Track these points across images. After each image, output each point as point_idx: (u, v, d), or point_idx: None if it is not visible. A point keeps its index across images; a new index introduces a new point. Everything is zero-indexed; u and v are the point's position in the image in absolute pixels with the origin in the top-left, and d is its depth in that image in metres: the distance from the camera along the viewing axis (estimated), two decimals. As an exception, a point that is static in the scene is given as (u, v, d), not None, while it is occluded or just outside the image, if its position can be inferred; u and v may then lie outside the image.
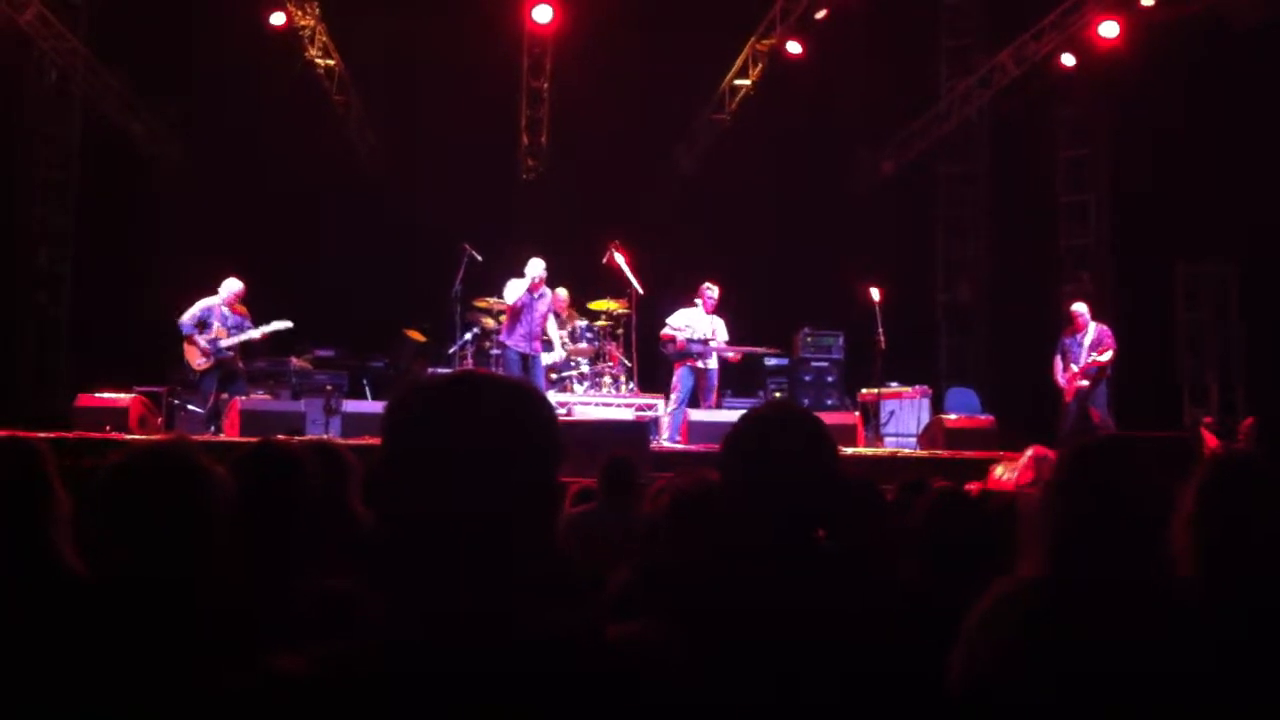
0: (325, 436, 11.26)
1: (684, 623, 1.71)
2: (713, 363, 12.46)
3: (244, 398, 12.01)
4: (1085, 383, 12.21)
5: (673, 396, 12.47)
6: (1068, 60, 13.75)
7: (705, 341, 12.37)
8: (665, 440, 12.13)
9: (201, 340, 11.59)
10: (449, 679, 1.42)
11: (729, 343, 12.59)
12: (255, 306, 11.99)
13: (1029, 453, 8.60)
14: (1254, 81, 12.80)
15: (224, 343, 11.66)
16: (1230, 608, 2.22)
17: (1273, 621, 2.18)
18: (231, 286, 11.82)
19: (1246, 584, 2.26)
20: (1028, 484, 8.00)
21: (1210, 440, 12.02)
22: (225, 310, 11.76)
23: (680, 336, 12.34)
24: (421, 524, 1.48)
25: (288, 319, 11.98)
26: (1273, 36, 12.13)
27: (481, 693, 1.42)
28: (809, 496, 2.14)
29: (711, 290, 12.45)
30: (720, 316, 12.58)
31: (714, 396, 12.56)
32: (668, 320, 12.47)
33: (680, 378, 12.37)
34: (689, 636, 1.61)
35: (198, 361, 11.71)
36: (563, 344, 13.28)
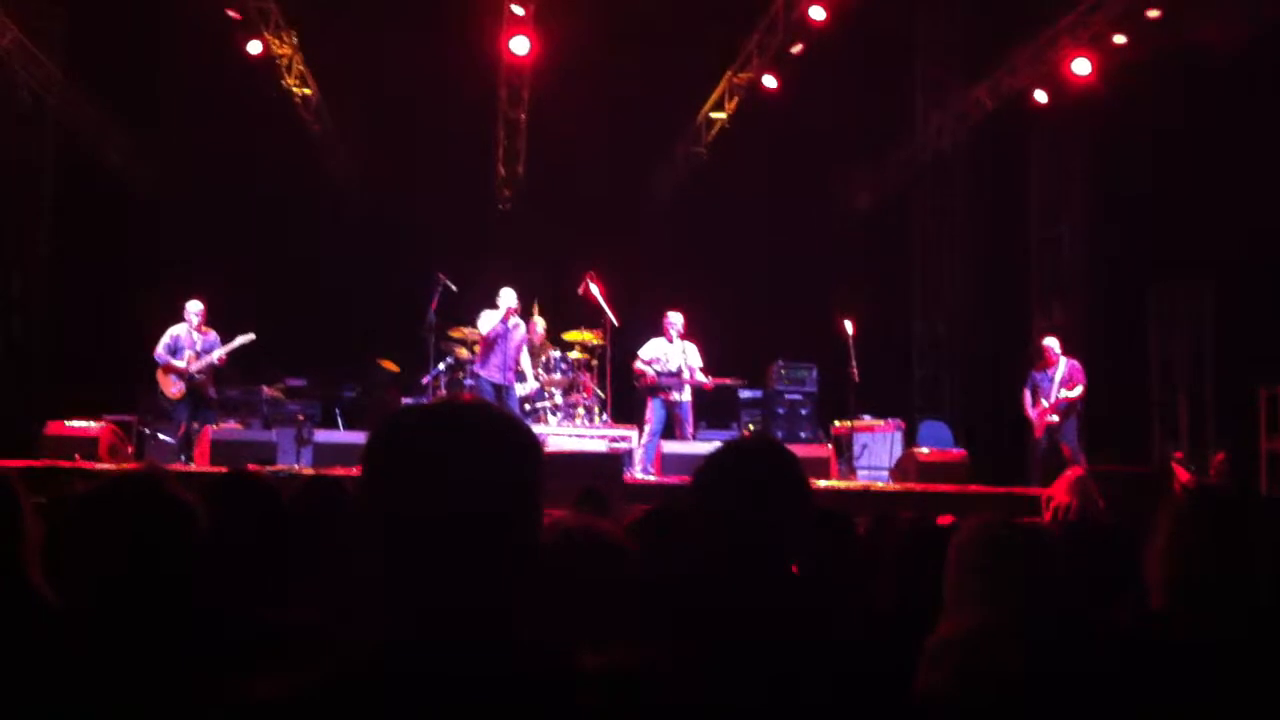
0: (297, 467, 11.23)
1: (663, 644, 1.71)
2: (685, 395, 12.47)
3: (215, 426, 11.96)
4: (1055, 418, 12.25)
5: (646, 429, 12.46)
6: (1040, 97, 13.86)
7: (676, 373, 12.37)
8: (639, 472, 12.12)
9: (178, 364, 11.58)
10: (445, 680, 1.43)
11: (702, 369, 12.58)
12: (228, 334, 11.95)
13: (1065, 477, 8.69)
14: (1226, 116, 12.94)
15: (195, 366, 11.64)
16: (1202, 640, 2.23)
17: (1243, 654, 2.19)
18: (194, 308, 11.82)
19: (1217, 617, 2.27)
20: (1065, 506, 8.08)
21: (1182, 475, 12.08)
22: (194, 335, 11.75)
23: (650, 371, 12.35)
24: (417, 526, 1.48)
25: (252, 335, 11.95)
26: (1244, 73, 12.28)
27: (477, 693, 1.42)
28: (780, 530, 2.14)
29: (674, 318, 12.47)
30: (692, 341, 12.59)
31: (689, 428, 12.56)
32: (638, 354, 12.48)
33: (653, 410, 12.37)
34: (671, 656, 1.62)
35: (171, 390, 11.69)
36: (536, 375, 13.27)
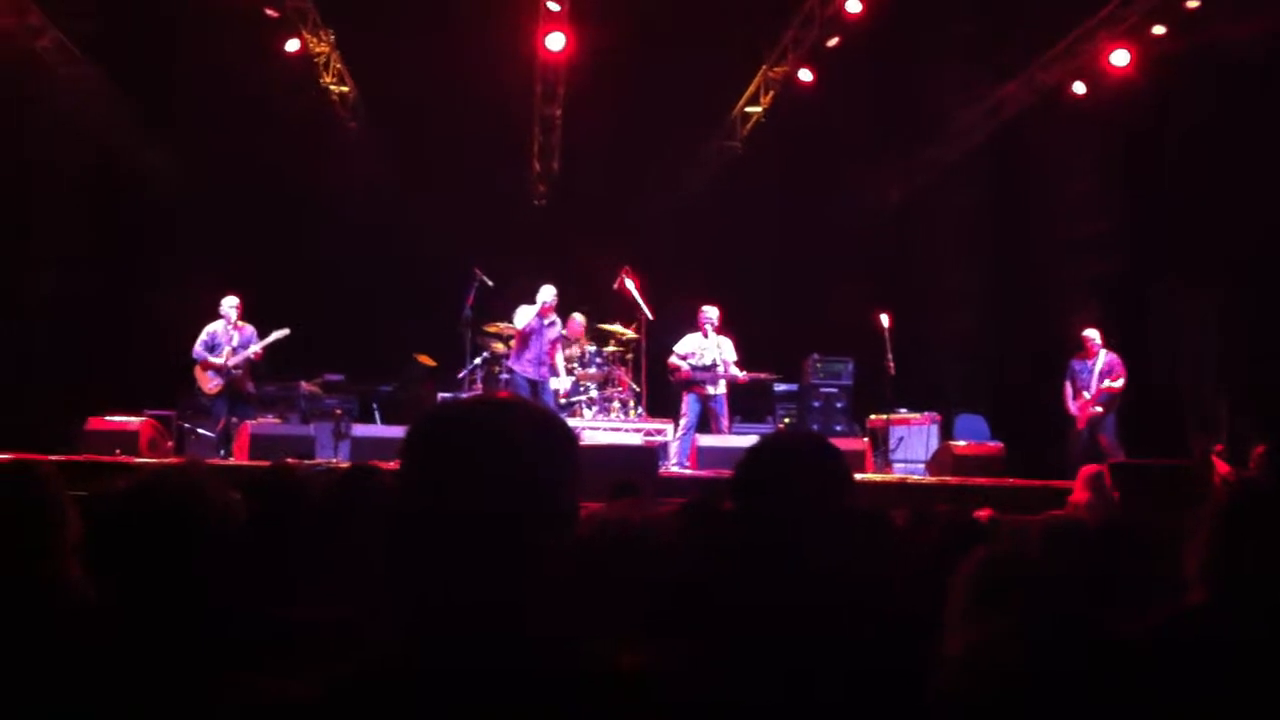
0: (335, 461, 11.29)
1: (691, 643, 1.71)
2: (720, 388, 12.47)
3: (253, 421, 12.05)
4: (1099, 409, 12.20)
5: (681, 423, 12.49)
6: (1078, 89, 13.75)
7: (711, 367, 12.38)
8: (673, 466, 12.13)
9: (214, 360, 11.69)
10: (471, 676, 1.43)
11: (736, 363, 12.57)
12: (265, 329, 12.04)
13: (1082, 473, 8.71)
14: (1263, 111, 12.82)
15: (232, 362, 11.74)
16: (1241, 633, 2.22)
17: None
18: (230, 304, 11.93)
19: (1257, 610, 2.25)
20: (1087, 503, 8.08)
21: (1221, 468, 11.97)
22: (231, 330, 11.85)
23: (685, 365, 12.36)
24: (452, 521, 1.49)
25: (287, 329, 12.03)
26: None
27: (502, 690, 1.43)
28: (824, 526, 2.13)
29: (710, 312, 12.48)
30: (727, 336, 12.59)
31: (724, 422, 12.56)
32: (674, 349, 12.49)
33: (688, 404, 12.40)
34: (697, 656, 1.61)
35: (209, 385, 11.81)
36: (570, 370, 13.31)
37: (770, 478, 2.20)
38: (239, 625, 2.25)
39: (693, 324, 12.58)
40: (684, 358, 12.39)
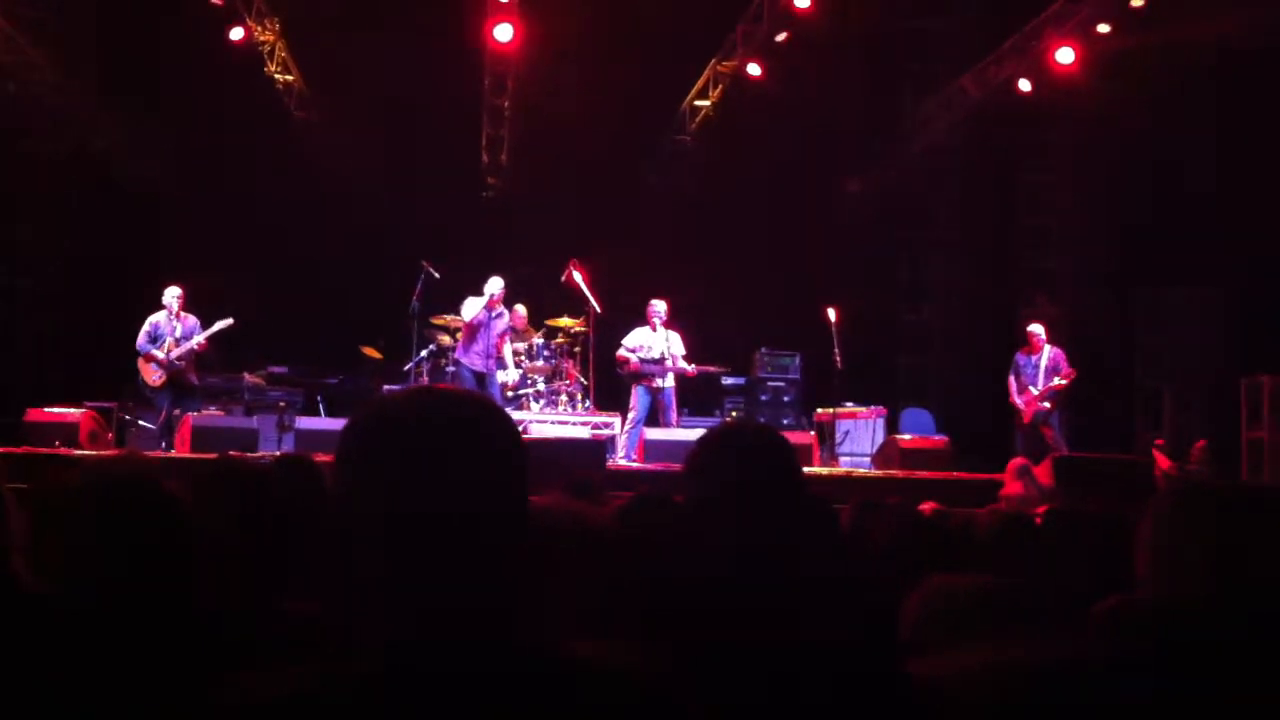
0: (278, 454, 11.19)
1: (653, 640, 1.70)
2: (668, 381, 12.49)
3: (196, 414, 11.93)
4: (1046, 405, 12.33)
5: (630, 416, 12.48)
6: (1024, 85, 13.87)
7: (660, 360, 12.39)
8: (621, 459, 12.13)
9: (157, 353, 11.54)
10: (446, 679, 1.41)
11: (685, 356, 12.60)
12: (210, 320, 11.91)
13: (1010, 466, 8.81)
14: (1215, 109, 13.05)
15: (175, 353, 11.60)
16: (1186, 628, 2.23)
17: (1234, 647, 2.19)
18: (172, 294, 11.78)
19: (1201, 605, 2.27)
20: (1018, 496, 8.17)
21: (1163, 462, 12.15)
22: (173, 321, 11.70)
23: (633, 358, 12.37)
24: (389, 520, 1.46)
25: (230, 319, 11.90)
26: (1242, 65, 12.38)
27: (479, 692, 1.41)
28: (775, 515, 2.13)
29: (658, 306, 12.48)
30: (675, 330, 12.61)
31: (673, 415, 12.58)
32: (622, 342, 12.50)
33: (636, 397, 12.41)
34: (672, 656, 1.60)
35: (153, 378, 11.66)
36: (518, 362, 13.27)
37: (720, 465, 2.20)
38: (193, 620, 2.22)
39: (642, 317, 12.58)
40: (633, 350, 12.39)
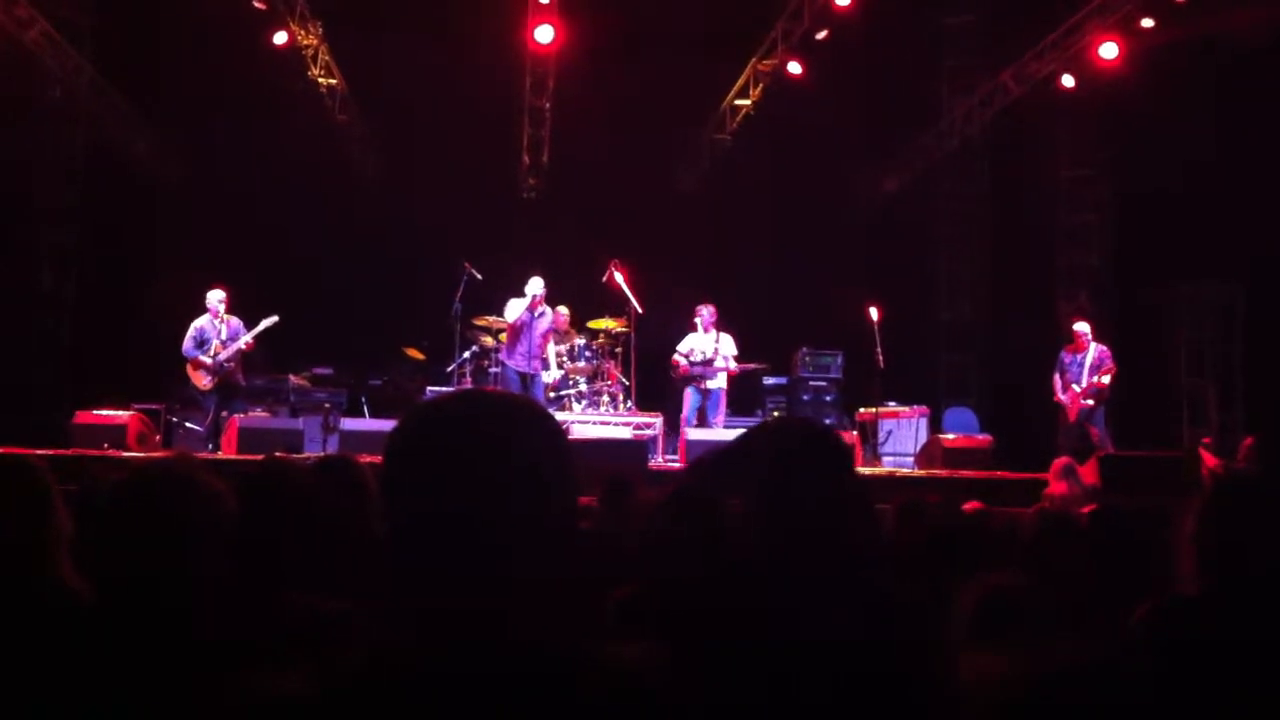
0: (324, 454, 11.26)
1: (683, 642, 1.70)
2: (717, 382, 12.59)
3: (242, 415, 12.02)
4: (1090, 402, 12.25)
5: (680, 417, 12.58)
6: (1067, 81, 13.75)
7: (708, 362, 12.46)
8: (662, 459, 12.23)
9: (204, 358, 11.66)
10: (435, 679, 1.42)
11: (735, 357, 12.71)
12: (255, 321, 12.01)
13: (1055, 465, 8.74)
14: (1255, 103, 12.86)
15: (222, 355, 11.72)
16: (1234, 625, 2.22)
17: (1275, 640, 2.17)
18: (216, 297, 11.88)
19: (1249, 602, 2.25)
20: (1063, 495, 8.11)
21: (1209, 460, 12.02)
22: (218, 324, 11.82)
23: (684, 362, 12.53)
24: (418, 526, 1.48)
25: (275, 317, 11.97)
26: (1272, 59, 12.20)
27: (469, 694, 1.41)
28: (828, 514, 2.10)
29: (704, 310, 12.61)
30: (728, 332, 12.70)
31: (719, 415, 12.65)
32: (677, 347, 12.63)
33: (687, 398, 12.61)
34: (687, 655, 1.60)
35: (203, 382, 11.79)
36: (560, 363, 13.31)
37: (776, 464, 2.18)
38: (232, 619, 2.24)
39: (682, 316, 12.70)
40: (685, 355, 12.61)
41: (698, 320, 12.58)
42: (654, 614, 2.17)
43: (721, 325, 12.70)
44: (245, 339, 11.85)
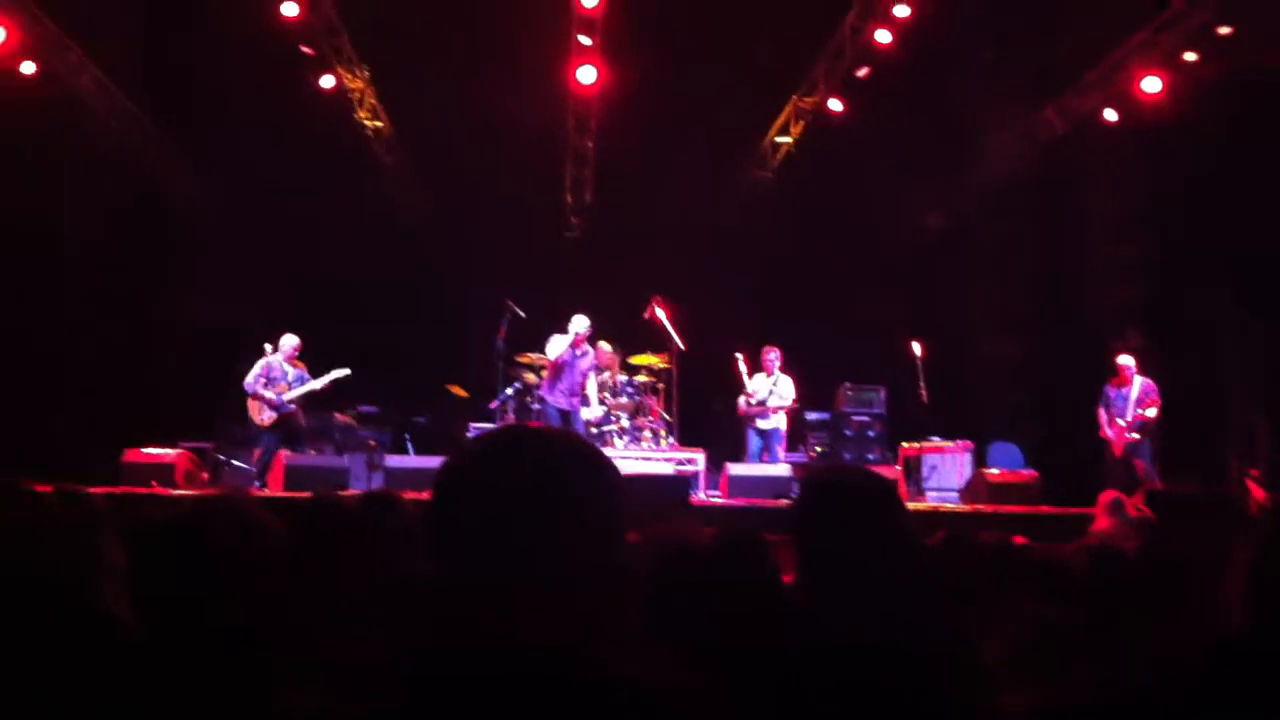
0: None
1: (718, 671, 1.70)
2: (770, 423, 13.00)
3: (288, 453, 12.12)
4: (1135, 436, 12.15)
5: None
6: (1110, 115, 13.71)
7: (762, 404, 12.83)
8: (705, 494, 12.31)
9: (269, 394, 11.81)
10: (479, 712, 1.43)
11: (794, 399, 13.17)
12: (304, 362, 12.14)
13: (1101, 500, 8.64)
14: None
15: (287, 396, 11.86)
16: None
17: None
18: (290, 342, 12.08)
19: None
20: (1109, 530, 8.01)
21: (1258, 493, 11.87)
22: (286, 365, 11.98)
23: (741, 404, 13.06)
24: (468, 563, 1.50)
25: (347, 369, 12.15)
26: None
27: (468, 696, 1.43)
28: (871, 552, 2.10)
29: (770, 354, 13.09)
30: (789, 375, 13.11)
31: (778, 452, 13.05)
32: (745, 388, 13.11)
33: (748, 437, 13.10)
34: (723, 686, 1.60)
35: (263, 416, 11.94)
36: (602, 400, 13.35)
37: (830, 518, 2.18)
38: (282, 653, 2.26)
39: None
40: (749, 396, 13.03)
41: (766, 363, 13.03)
42: (683, 643, 2.18)
43: (787, 368, 13.07)
44: (317, 383, 12.02)
